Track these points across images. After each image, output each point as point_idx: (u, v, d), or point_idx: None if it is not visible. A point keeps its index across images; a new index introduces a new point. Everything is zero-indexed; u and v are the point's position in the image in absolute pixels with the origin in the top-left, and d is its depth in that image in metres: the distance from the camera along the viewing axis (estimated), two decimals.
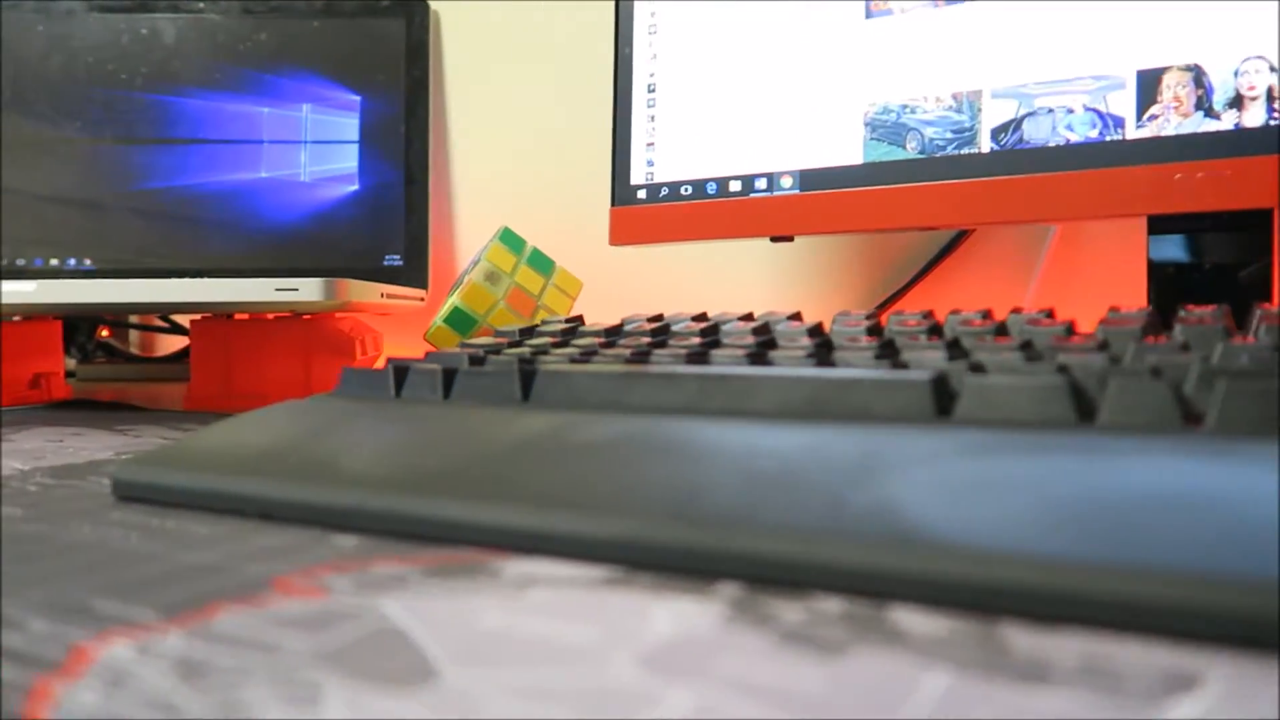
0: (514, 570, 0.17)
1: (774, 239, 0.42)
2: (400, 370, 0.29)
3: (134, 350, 0.80)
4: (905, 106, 0.39)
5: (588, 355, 0.30)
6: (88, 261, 0.65)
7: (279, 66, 0.67)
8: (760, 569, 0.16)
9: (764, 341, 0.30)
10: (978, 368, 0.22)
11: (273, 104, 0.67)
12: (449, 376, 0.28)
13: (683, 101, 0.44)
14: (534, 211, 0.69)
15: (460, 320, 0.51)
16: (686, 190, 0.44)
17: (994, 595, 0.14)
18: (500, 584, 0.16)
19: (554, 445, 0.21)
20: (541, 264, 0.53)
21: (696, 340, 0.31)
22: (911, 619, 0.14)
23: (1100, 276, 0.50)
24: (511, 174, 0.70)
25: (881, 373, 0.22)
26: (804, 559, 0.15)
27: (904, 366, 0.24)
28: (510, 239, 0.53)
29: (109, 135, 0.66)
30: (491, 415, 0.25)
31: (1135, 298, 0.46)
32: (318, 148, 0.67)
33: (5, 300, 0.43)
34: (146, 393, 0.62)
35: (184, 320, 0.74)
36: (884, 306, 0.55)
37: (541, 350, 0.31)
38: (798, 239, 0.44)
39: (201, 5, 0.67)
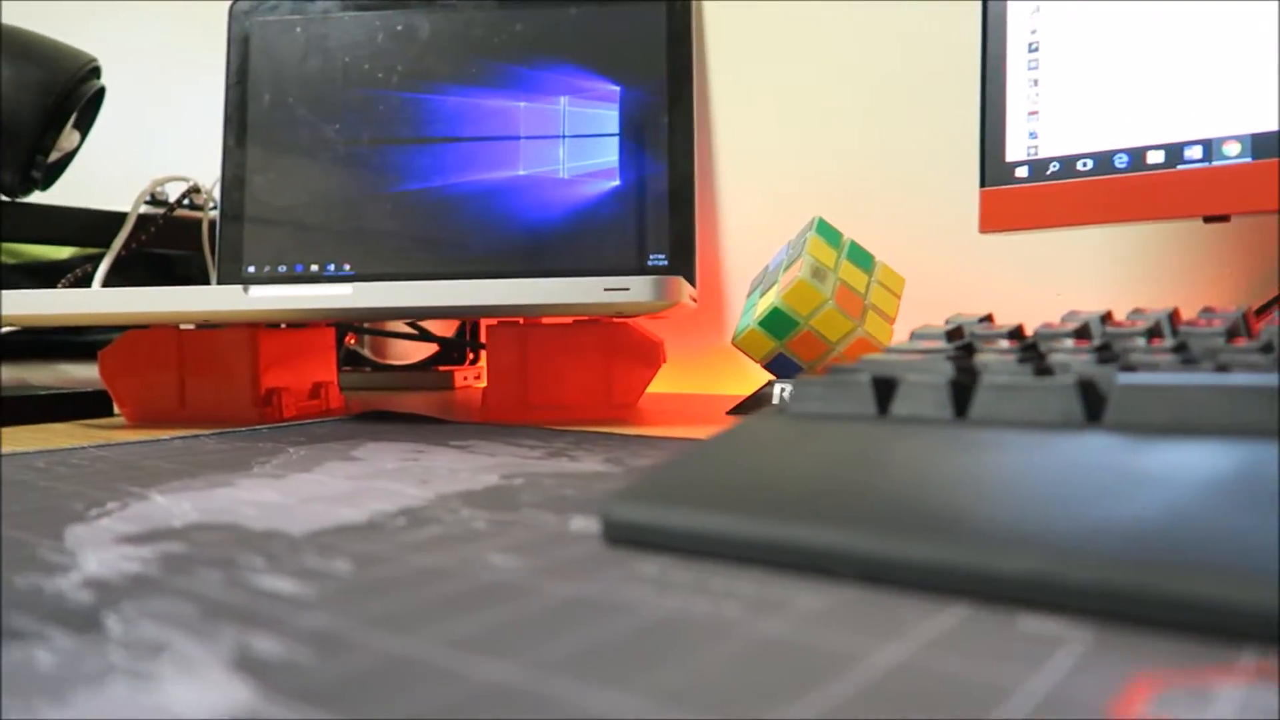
0: None
1: (1207, 219, 0.35)
2: (883, 383, 0.23)
3: (368, 354, 0.78)
4: None
5: (1104, 360, 0.23)
6: (346, 266, 0.63)
7: (535, 58, 0.64)
8: None
9: None
10: None
11: (529, 98, 0.64)
12: (961, 391, 0.22)
13: (1078, 60, 0.37)
14: (810, 204, 0.63)
15: (779, 323, 0.45)
16: (1085, 165, 0.37)
17: None
18: None
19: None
20: (862, 258, 0.47)
21: (1220, 341, 0.25)
22: None
23: None
24: (783, 166, 0.64)
25: None
26: None
27: None
28: (827, 231, 0.48)
29: (366, 136, 0.64)
30: (1091, 443, 0.18)
31: None
32: (576, 142, 0.63)
33: (323, 304, 0.40)
34: (414, 402, 0.59)
35: (432, 327, 0.72)
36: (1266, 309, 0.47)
37: (1033, 358, 0.25)
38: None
39: None
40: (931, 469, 0.18)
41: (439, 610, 0.15)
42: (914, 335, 0.31)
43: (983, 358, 0.25)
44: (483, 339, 0.73)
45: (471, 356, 0.73)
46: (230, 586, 0.16)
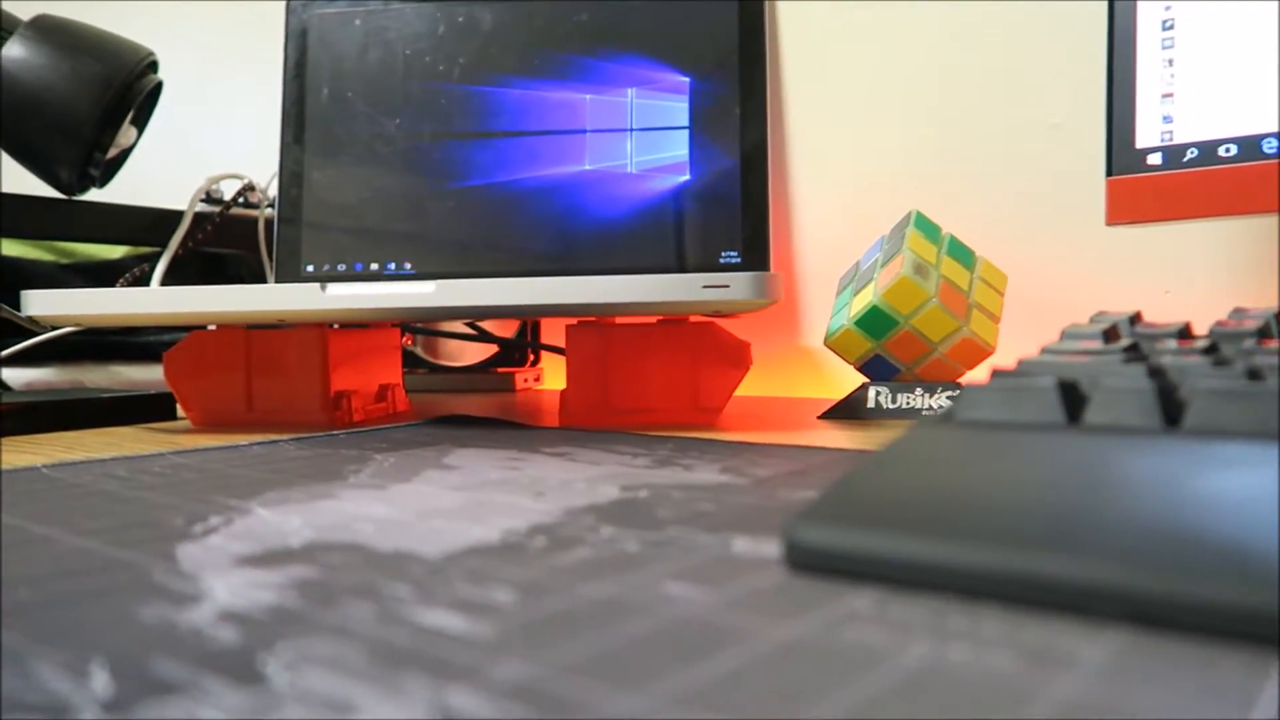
0: None
1: None
2: (1071, 388, 0.21)
3: (423, 355, 0.77)
4: None
5: None
6: (408, 265, 0.61)
7: (601, 49, 0.62)
8: None
9: None
10: None
11: (595, 90, 0.61)
12: (1166, 397, 0.20)
13: (1219, 36, 0.35)
14: (886, 201, 0.60)
15: (877, 322, 0.43)
16: (1228, 150, 0.34)
17: None
18: None
19: None
20: (962, 254, 0.45)
21: None
22: None
23: None
24: (858, 162, 0.62)
25: None
26: None
27: None
28: (925, 225, 0.45)
29: (427, 131, 0.62)
30: None
31: None
32: (644, 135, 0.61)
33: (405, 303, 0.38)
34: (479, 404, 0.57)
35: (490, 327, 0.70)
36: None
37: (1225, 360, 0.22)
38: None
39: None
40: (1183, 489, 0.16)
41: (647, 656, 0.13)
42: (1065, 335, 0.28)
43: (1167, 360, 0.23)
44: (544, 340, 0.71)
45: (532, 358, 0.71)
46: (388, 622, 0.14)
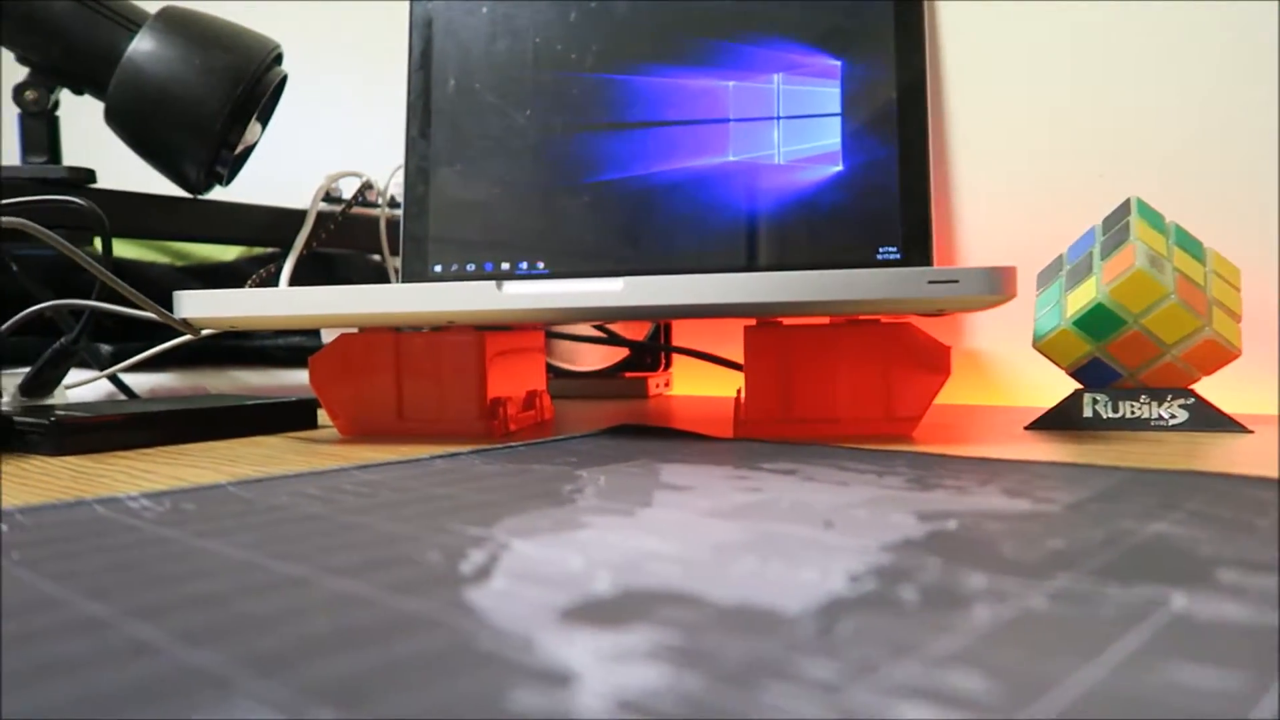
0: None
1: None
2: None
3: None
4: None
5: None
6: (540, 264, 0.58)
7: (744, 32, 0.58)
8: None
9: None
10: None
11: (739, 76, 0.58)
12: None
13: None
14: (1063, 194, 0.55)
15: (1102, 321, 0.38)
16: None
17: None
18: None
19: None
20: (1192, 245, 0.40)
21: None
22: None
23: None
24: (1031, 147, 0.57)
25: None
26: None
27: None
28: (1149, 213, 0.40)
29: (559, 123, 0.59)
30: None
31: None
32: (793, 124, 0.57)
33: (589, 303, 0.35)
34: (621, 412, 0.53)
35: (619, 330, 0.66)
36: None
37: None
38: None
39: None
40: None
41: None
42: None
43: None
44: (675, 343, 0.67)
45: (664, 361, 0.67)
46: None
